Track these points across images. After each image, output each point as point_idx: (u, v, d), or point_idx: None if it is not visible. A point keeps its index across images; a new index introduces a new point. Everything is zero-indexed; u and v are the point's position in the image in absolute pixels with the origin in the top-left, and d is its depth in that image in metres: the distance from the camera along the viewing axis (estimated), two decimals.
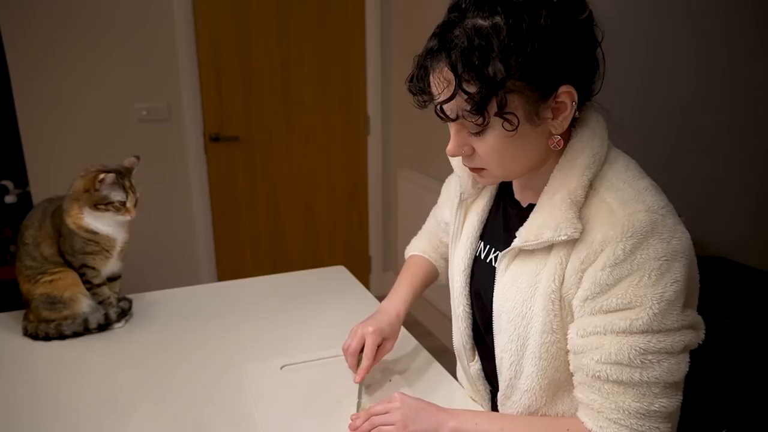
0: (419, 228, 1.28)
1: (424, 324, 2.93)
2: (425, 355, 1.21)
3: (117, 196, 1.27)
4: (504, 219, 0.93)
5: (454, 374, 1.13)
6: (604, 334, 0.74)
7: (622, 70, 2.09)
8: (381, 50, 3.01)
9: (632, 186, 0.77)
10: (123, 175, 1.30)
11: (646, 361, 0.73)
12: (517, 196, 0.92)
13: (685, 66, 2.18)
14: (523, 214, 0.87)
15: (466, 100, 0.73)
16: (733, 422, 1.13)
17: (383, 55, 3.02)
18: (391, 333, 1.07)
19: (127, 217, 1.30)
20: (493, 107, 0.73)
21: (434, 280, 1.24)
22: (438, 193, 1.22)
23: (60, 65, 2.47)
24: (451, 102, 0.74)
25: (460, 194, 0.98)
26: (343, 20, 2.92)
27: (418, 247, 1.24)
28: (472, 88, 0.72)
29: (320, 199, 3.11)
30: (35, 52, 2.42)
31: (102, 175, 1.25)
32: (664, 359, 0.73)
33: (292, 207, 3.06)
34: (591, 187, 0.79)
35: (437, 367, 1.16)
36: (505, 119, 0.73)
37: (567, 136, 0.82)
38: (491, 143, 0.77)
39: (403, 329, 1.31)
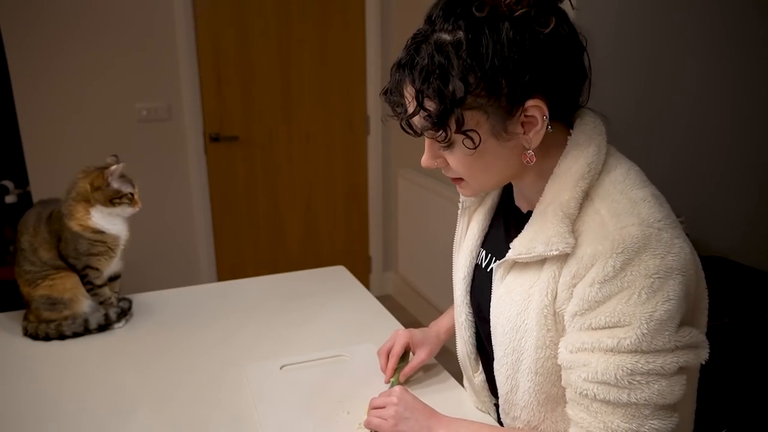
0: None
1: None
2: (431, 361, 1.19)
3: (127, 187, 1.31)
4: (505, 226, 0.91)
5: (458, 379, 1.12)
6: (592, 351, 0.72)
7: (624, 74, 2.09)
8: (381, 50, 3.01)
9: (628, 196, 0.73)
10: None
11: (634, 382, 0.69)
12: (517, 202, 0.90)
13: (685, 68, 2.18)
14: (521, 222, 0.85)
15: (425, 117, 0.73)
16: (733, 422, 1.13)
17: (383, 55, 3.02)
18: (422, 341, 1.12)
19: (137, 209, 1.33)
20: (453, 124, 0.72)
21: None
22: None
23: (60, 65, 2.47)
24: (415, 117, 0.74)
25: (462, 202, 0.97)
26: (343, 20, 2.92)
27: None
28: (431, 106, 0.72)
29: (320, 199, 3.11)
30: (36, 52, 2.42)
31: (113, 167, 1.28)
32: (653, 381, 0.70)
33: (292, 207, 3.06)
34: (587, 197, 0.76)
35: (443, 373, 1.15)
36: (466, 136, 0.73)
37: (563, 144, 0.79)
38: (458, 158, 0.77)
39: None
